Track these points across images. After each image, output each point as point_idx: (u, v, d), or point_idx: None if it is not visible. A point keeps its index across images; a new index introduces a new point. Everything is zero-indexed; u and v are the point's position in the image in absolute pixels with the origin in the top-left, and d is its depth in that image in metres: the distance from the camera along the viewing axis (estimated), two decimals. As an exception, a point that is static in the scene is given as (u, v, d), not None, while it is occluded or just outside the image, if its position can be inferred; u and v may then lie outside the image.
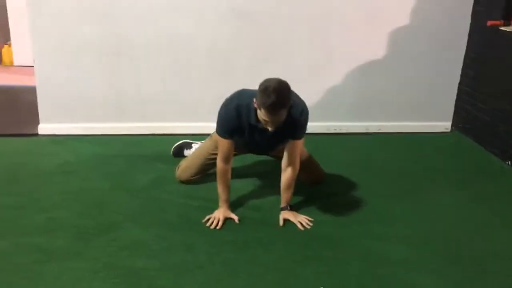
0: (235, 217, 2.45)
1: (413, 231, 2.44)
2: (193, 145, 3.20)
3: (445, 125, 3.96)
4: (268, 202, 2.64)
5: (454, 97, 3.90)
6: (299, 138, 2.43)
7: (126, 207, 2.55)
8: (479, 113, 3.65)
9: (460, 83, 3.85)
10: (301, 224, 2.42)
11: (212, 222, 2.40)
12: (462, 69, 3.81)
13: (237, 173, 2.93)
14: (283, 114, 2.18)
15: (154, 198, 2.65)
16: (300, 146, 2.46)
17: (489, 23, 3.36)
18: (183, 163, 2.84)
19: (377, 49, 3.67)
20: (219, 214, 2.44)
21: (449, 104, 3.92)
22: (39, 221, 2.39)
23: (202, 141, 3.16)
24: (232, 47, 3.52)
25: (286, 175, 2.47)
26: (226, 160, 2.43)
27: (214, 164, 2.76)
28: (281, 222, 2.44)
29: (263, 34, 3.52)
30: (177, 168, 2.84)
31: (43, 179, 2.83)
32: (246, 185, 2.84)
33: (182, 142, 3.22)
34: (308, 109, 2.41)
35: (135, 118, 3.60)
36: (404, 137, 3.79)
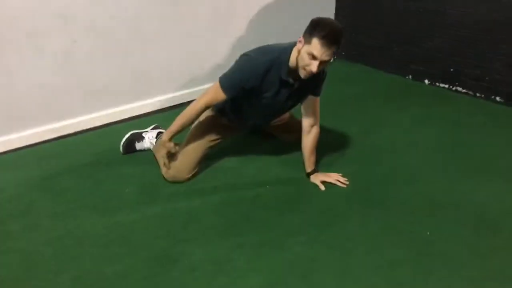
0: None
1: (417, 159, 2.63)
2: (144, 134, 2.64)
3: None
4: (287, 172, 2.46)
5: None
6: (319, 94, 2.30)
7: (161, 227, 2.02)
8: (364, 38, 3.99)
9: (336, 15, 4.11)
10: (340, 182, 2.34)
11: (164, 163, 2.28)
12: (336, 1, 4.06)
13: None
14: (331, 55, 1.99)
15: (175, 210, 2.13)
16: (319, 103, 2.32)
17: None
18: (175, 164, 2.31)
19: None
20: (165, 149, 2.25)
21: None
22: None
23: (156, 127, 2.67)
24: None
25: (311, 136, 2.34)
26: (208, 106, 2.20)
27: (212, 148, 2.42)
28: (321, 187, 2.31)
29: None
30: (164, 173, 2.32)
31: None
32: (244, 162, 2.55)
33: (130, 135, 2.62)
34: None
35: (35, 122, 2.73)
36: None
